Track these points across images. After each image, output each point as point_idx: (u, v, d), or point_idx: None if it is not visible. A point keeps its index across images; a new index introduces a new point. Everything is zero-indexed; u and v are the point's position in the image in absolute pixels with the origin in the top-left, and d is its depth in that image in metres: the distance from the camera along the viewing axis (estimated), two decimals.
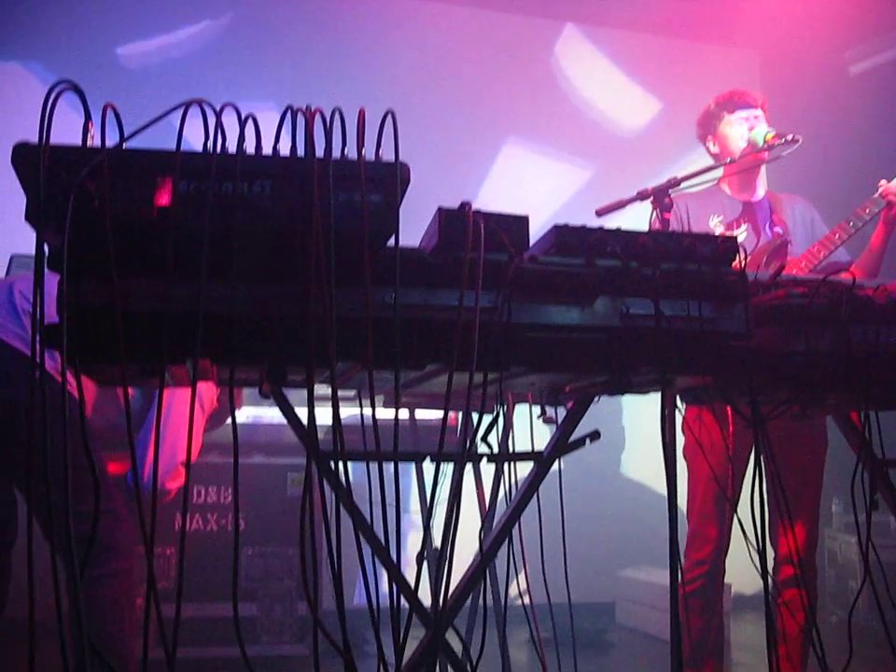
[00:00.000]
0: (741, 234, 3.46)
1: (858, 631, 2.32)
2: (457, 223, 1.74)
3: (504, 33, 6.47)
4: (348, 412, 2.21)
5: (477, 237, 1.71)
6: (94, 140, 1.64)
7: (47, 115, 1.51)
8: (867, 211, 3.38)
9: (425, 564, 3.10)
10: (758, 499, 1.96)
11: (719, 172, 3.37)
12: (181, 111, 1.64)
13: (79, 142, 1.61)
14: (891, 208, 3.31)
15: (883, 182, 3.35)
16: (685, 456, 3.39)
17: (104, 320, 1.57)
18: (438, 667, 3.17)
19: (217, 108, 1.69)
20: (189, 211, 1.60)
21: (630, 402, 5.86)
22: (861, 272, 3.33)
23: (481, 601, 3.09)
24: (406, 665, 1.89)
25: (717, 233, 3.38)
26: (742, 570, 4.25)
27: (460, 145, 6.02)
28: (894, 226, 3.36)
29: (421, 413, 3.48)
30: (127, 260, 1.62)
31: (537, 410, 2.56)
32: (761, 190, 3.61)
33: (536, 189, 5.94)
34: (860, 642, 2.31)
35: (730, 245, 1.95)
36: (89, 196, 1.55)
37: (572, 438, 2.08)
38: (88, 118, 1.63)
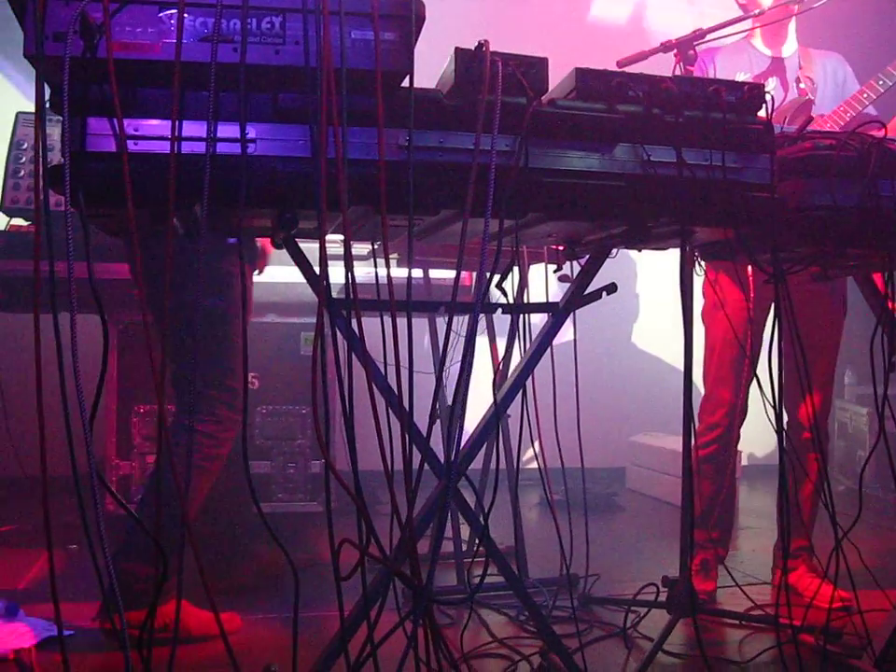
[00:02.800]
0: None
1: (864, 498, 2.33)
2: (474, 64, 1.67)
3: None
4: (362, 270, 2.18)
5: (494, 79, 1.65)
6: None
7: None
8: None
9: (437, 423, 3.12)
10: (776, 354, 1.94)
11: (747, 24, 3.22)
12: None
13: None
14: None
15: None
16: (703, 319, 3.35)
17: (109, 162, 1.53)
18: (450, 520, 3.22)
19: None
20: (195, 48, 1.54)
21: (646, 268, 5.80)
22: None
23: (493, 464, 3.12)
24: (419, 514, 1.91)
25: None
26: (754, 438, 4.30)
27: None
28: None
29: (435, 273, 3.45)
30: (132, 100, 1.57)
31: (552, 270, 2.53)
32: (791, 45, 3.46)
33: (560, 35, 5.72)
34: (866, 509, 2.32)
35: (756, 93, 1.88)
36: (90, 29, 1.48)
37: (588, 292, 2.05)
38: None
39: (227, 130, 1.57)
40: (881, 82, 3.22)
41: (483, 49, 1.67)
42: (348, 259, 1.59)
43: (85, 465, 1.41)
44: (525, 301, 2.70)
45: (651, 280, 5.79)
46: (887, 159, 2.01)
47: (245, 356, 1.71)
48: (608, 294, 2.05)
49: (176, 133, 1.53)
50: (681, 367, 2.52)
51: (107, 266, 3.41)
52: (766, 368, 2.00)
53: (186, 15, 1.54)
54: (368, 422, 1.62)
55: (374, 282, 1.66)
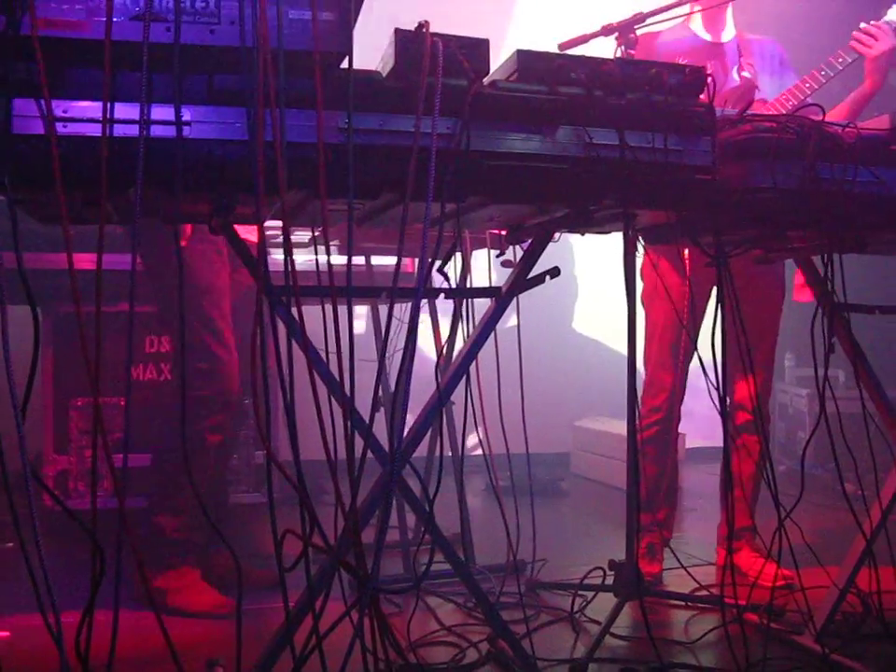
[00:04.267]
0: None
1: (805, 478, 2.36)
2: (414, 45, 1.64)
3: None
4: (303, 258, 2.14)
5: (435, 60, 1.62)
6: None
7: None
8: (840, 60, 3.27)
9: (381, 410, 3.10)
10: (718, 336, 1.94)
11: (686, 8, 3.23)
12: None
13: None
14: (863, 53, 3.21)
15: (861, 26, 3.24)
16: (643, 303, 3.36)
17: (37, 145, 1.47)
18: (395, 508, 3.20)
19: None
20: (127, 27, 1.49)
21: (587, 251, 5.81)
22: (842, 114, 3.24)
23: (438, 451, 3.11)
24: (363, 502, 1.88)
25: None
26: (696, 420, 4.36)
27: None
28: (877, 67, 3.23)
29: (377, 260, 3.42)
30: (60, 80, 1.52)
31: (494, 255, 2.51)
32: (730, 31, 3.47)
33: (501, 15, 5.71)
34: (807, 488, 2.35)
35: (698, 76, 1.88)
36: (13, 4, 1.42)
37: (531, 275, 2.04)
38: None
39: (161, 112, 1.53)
40: (824, 73, 3.25)
41: (424, 29, 1.64)
42: (287, 245, 1.56)
43: (18, 460, 1.37)
44: (468, 286, 2.68)
45: (593, 263, 5.80)
46: (826, 142, 2.03)
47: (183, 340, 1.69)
48: (551, 278, 2.04)
49: (108, 116, 1.48)
50: (624, 350, 2.52)
51: (40, 256, 3.33)
52: (708, 351, 2.01)
53: None
54: (311, 411, 1.59)
55: (315, 269, 1.63)
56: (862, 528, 2.37)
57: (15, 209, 1.45)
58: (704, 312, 3.24)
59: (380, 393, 1.85)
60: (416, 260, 3.46)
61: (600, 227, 2.07)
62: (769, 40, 3.54)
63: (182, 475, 2.76)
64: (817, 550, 2.47)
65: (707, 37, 3.46)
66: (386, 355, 1.94)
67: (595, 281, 5.85)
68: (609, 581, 2.75)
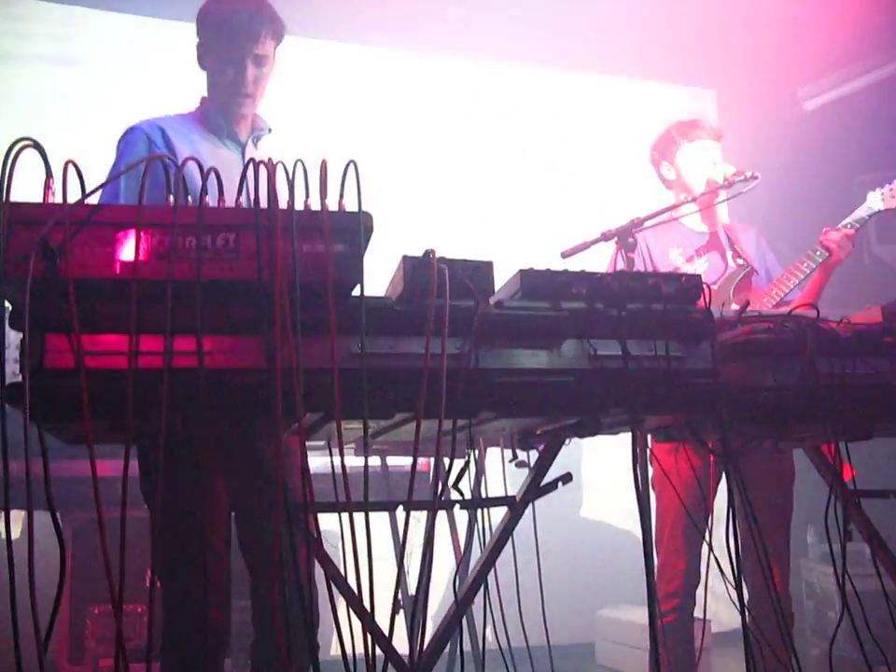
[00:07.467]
0: (703, 264, 3.50)
1: (839, 662, 2.31)
2: (422, 270, 1.74)
3: (465, 80, 6.55)
4: (319, 460, 2.18)
5: (442, 284, 1.71)
6: (55, 196, 1.63)
7: (7, 172, 1.50)
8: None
9: (400, 612, 3.07)
10: (732, 535, 1.96)
11: (688, 207, 3.42)
12: (142, 166, 1.65)
13: (40, 198, 1.60)
14: (832, 255, 3.38)
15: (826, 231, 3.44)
16: (653, 487, 3.37)
17: (67, 378, 1.55)
18: None
19: (179, 163, 1.70)
20: (152, 265, 1.59)
21: (601, 439, 5.86)
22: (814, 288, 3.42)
23: (458, 648, 3.06)
24: None
25: (678, 266, 3.43)
26: (721, 606, 4.27)
27: (426, 190, 6.08)
28: (830, 274, 3.44)
29: (393, 460, 3.46)
30: (91, 317, 1.60)
31: (508, 454, 2.55)
32: (720, 220, 3.68)
33: (502, 234, 5.99)
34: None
35: (694, 283, 1.96)
36: (50, 253, 1.53)
37: (545, 480, 2.07)
38: (49, 174, 1.62)
39: (183, 343, 1.61)
40: (818, 253, 3.39)
41: (431, 256, 1.74)
42: (304, 465, 1.61)
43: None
44: (483, 487, 2.71)
45: (608, 451, 5.82)
46: (821, 338, 2.10)
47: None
48: (563, 484, 2.08)
49: (134, 348, 1.56)
50: (638, 534, 2.51)
51: (59, 464, 3.38)
52: (720, 541, 2.01)
53: (142, 234, 1.59)
54: (330, 612, 1.60)
55: (331, 471, 1.67)
56: None
57: (43, 433, 1.51)
58: (715, 494, 3.24)
59: (399, 598, 1.84)
60: (431, 460, 3.51)
61: (609, 429, 2.11)
62: (750, 228, 3.75)
63: None
64: None
65: (704, 228, 3.62)
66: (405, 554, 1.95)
67: (610, 467, 5.87)
68: None
